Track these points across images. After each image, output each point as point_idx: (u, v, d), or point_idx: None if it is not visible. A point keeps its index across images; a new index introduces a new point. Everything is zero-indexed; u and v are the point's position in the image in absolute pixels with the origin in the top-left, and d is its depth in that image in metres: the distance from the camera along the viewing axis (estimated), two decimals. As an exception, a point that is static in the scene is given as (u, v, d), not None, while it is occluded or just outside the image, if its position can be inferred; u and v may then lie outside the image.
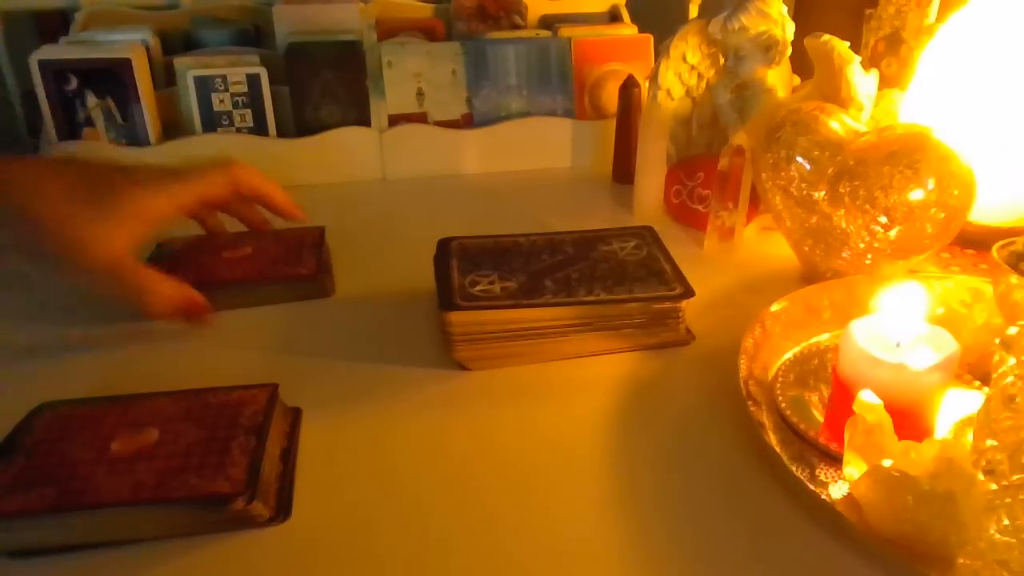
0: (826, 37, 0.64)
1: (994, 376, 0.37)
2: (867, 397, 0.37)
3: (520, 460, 0.42)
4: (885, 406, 0.37)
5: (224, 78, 0.80)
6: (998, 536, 0.34)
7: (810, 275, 0.60)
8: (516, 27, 0.98)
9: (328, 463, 0.41)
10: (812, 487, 0.37)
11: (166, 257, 0.59)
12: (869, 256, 0.55)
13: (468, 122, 0.88)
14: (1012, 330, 0.37)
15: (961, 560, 0.33)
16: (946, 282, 0.53)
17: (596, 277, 0.52)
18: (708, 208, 0.68)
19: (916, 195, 0.52)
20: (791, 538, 0.36)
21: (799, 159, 0.57)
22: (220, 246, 0.61)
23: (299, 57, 0.82)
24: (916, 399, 0.40)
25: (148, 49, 0.82)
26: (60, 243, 0.46)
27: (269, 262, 0.59)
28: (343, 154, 0.83)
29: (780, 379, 0.47)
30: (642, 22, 0.99)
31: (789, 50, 0.70)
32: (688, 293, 0.51)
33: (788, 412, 0.44)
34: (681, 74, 0.74)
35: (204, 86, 0.80)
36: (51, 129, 0.77)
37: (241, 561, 0.35)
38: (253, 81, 0.80)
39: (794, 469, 0.39)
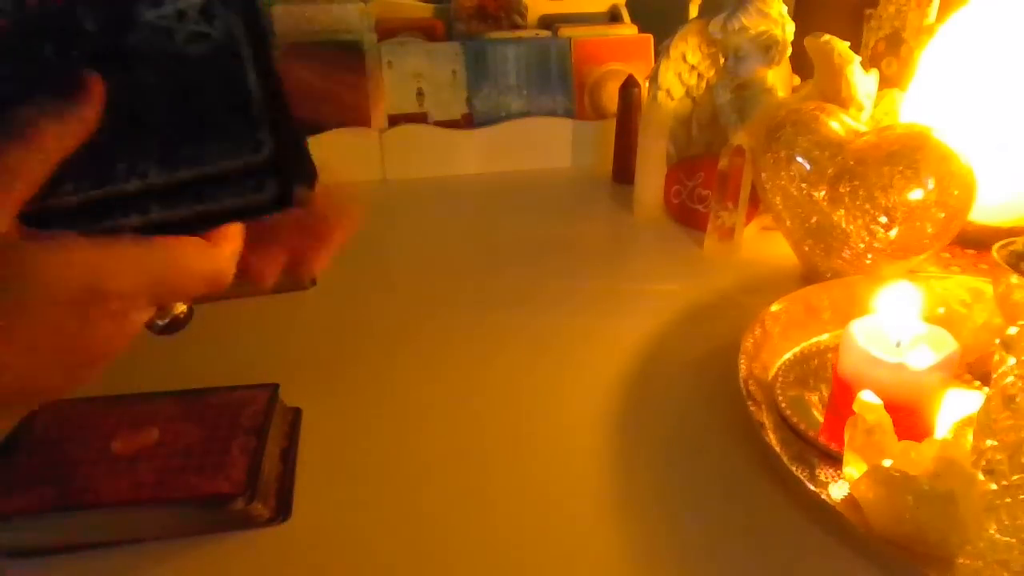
0: (826, 37, 0.64)
1: (994, 376, 0.37)
2: (867, 397, 0.37)
3: (520, 460, 0.42)
4: (885, 406, 0.37)
5: (224, 78, 0.80)
6: (998, 536, 0.34)
7: (810, 275, 0.60)
8: (516, 27, 0.98)
9: (328, 463, 0.41)
10: (812, 487, 0.37)
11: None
12: (869, 256, 0.55)
13: (468, 122, 0.88)
14: (1012, 330, 0.37)
15: (961, 560, 0.33)
16: (946, 282, 0.53)
17: None
18: (708, 208, 0.68)
19: (916, 195, 0.52)
20: (791, 538, 0.36)
21: (799, 159, 0.57)
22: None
23: (298, 57, 0.82)
24: (916, 399, 0.40)
25: (148, 49, 0.82)
26: None
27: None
28: (343, 154, 0.84)
29: (780, 379, 0.47)
30: (642, 22, 0.99)
31: (789, 50, 0.70)
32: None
33: (788, 412, 0.44)
34: (681, 74, 0.74)
35: (204, 86, 0.80)
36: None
37: (241, 561, 0.35)
38: (253, 81, 0.80)
39: (794, 469, 0.39)
